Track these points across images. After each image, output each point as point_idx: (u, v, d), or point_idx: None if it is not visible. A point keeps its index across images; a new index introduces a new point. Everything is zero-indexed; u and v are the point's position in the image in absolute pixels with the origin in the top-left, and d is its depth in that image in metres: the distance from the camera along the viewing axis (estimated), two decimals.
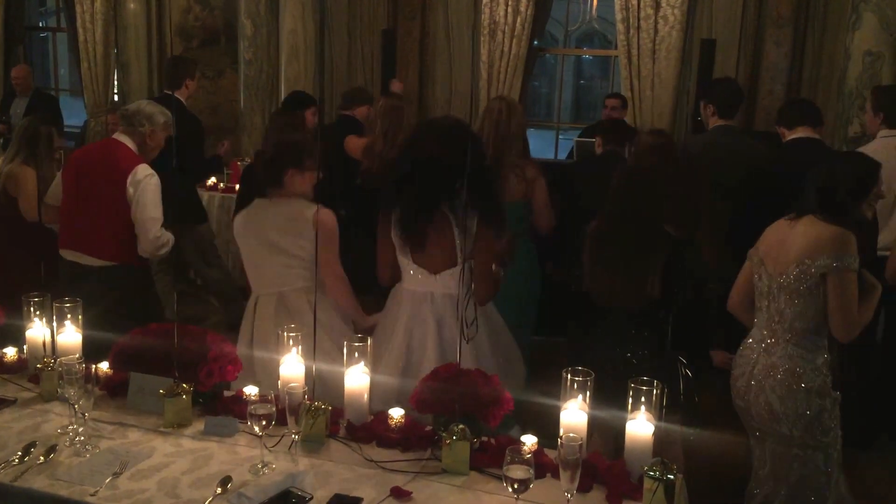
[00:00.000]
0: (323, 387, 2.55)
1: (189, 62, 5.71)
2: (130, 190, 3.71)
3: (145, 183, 3.72)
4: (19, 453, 2.25)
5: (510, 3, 7.19)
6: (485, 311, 3.09)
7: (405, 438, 2.41)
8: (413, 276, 3.04)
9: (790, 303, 2.81)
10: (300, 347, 2.52)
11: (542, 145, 9.55)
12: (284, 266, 3.20)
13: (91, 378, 2.32)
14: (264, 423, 2.22)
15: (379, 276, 3.17)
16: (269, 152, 3.30)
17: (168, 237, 3.80)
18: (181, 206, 5.27)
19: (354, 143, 5.14)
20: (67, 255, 3.84)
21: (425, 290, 3.04)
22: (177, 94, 5.40)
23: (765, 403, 2.85)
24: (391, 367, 2.98)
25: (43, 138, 4.20)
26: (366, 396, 2.51)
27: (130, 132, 3.87)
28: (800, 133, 4.17)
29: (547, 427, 2.42)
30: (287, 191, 3.20)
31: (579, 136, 6.41)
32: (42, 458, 2.24)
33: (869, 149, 4.03)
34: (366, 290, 3.46)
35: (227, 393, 2.66)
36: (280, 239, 3.18)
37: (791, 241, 2.83)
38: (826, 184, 2.82)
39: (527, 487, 1.99)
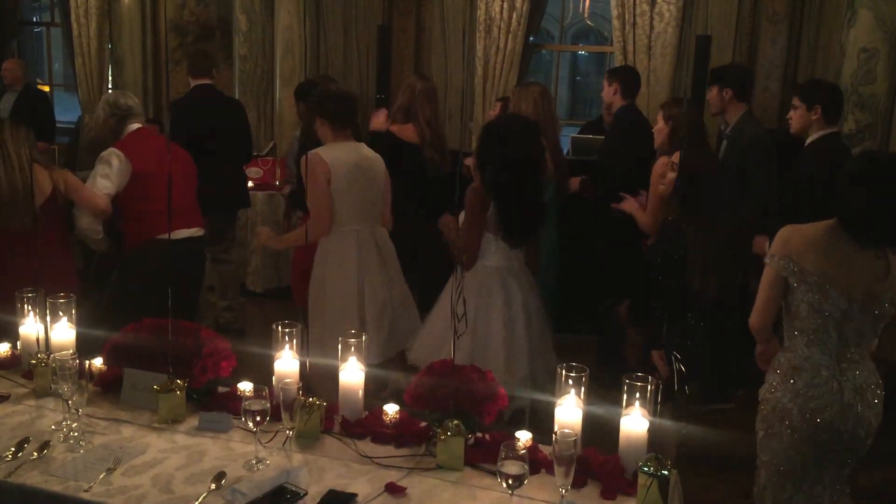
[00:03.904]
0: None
1: (211, 52, 5.82)
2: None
3: None
4: (13, 449, 2.25)
5: None
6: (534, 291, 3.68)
7: (400, 434, 2.41)
8: (494, 252, 3.55)
9: (875, 328, 2.67)
10: (295, 342, 2.52)
11: None
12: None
13: (85, 374, 2.31)
14: (258, 418, 2.21)
15: (471, 259, 3.52)
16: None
17: None
18: (238, 191, 5.49)
19: (404, 129, 4.96)
20: (180, 234, 4.06)
21: (508, 265, 3.57)
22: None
23: (866, 423, 2.69)
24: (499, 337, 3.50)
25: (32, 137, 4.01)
26: (360, 392, 2.51)
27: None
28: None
29: (543, 423, 2.42)
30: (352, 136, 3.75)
31: (578, 134, 6.42)
32: (35, 453, 2.24)
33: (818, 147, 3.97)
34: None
35: (221, 389, 2.66)
36: (378, 175, 3.79)
37: (868, 270, 2.62)
38: None
39: (521, 483, 1.99)
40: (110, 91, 4.28)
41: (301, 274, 4.03)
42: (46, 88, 9.90)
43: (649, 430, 2.19)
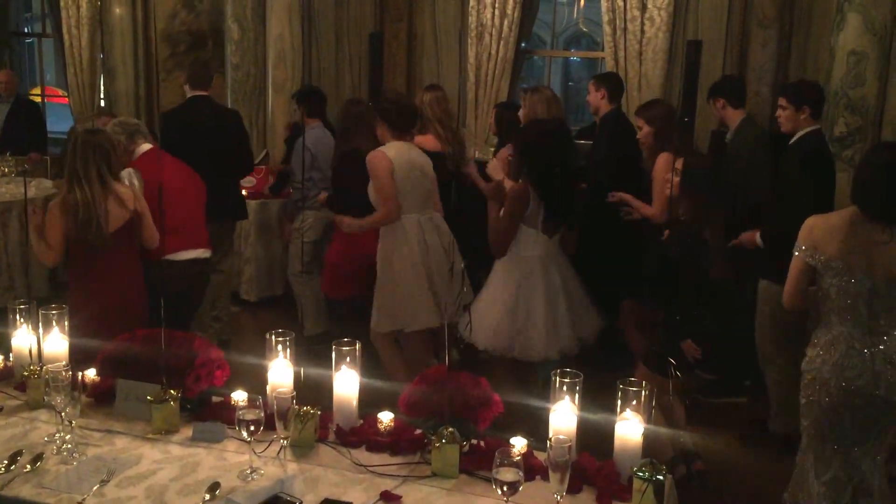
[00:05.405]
0: None
1: (210, 63, 5.81)
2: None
3: None
4: (6, 461, 2.24)
5: (497, 5, 7.20)
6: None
7: (395, 442, 2.41)
8: (534, 243, 4.01)
9: None
10: (288, 352, 2.51)
11: None
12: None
13: (78, 385, 2.31)
14: (253, 428, 2.21)
15: (504, 247, 4.02)
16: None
17: None
18: (234, 203, 5.47)
19: (426, 141, 5.16)
20: (188, 254, 4.17)
21: (547, 252, 4.04)
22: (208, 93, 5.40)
23: None
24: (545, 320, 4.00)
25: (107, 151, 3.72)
26: (355, 401, 2.50)
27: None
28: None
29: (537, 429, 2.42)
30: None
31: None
32: (29, 466, 2.23)
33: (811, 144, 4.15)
34: None
35: (214, 398, 2.65)
36: (429, 170, 4.26)
37: (887, 252, 2.80)
38: None
39: (516, 490, 1.99)
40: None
41: (331, 267, 4.76)
42: (67, 101, 9.78)
43: (645, 435, 2.20)
